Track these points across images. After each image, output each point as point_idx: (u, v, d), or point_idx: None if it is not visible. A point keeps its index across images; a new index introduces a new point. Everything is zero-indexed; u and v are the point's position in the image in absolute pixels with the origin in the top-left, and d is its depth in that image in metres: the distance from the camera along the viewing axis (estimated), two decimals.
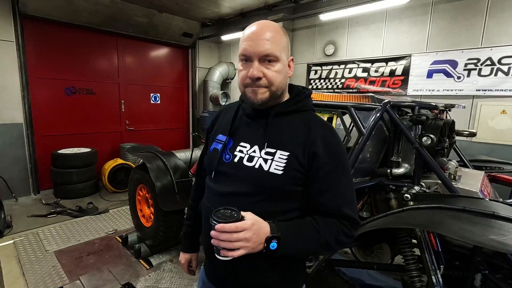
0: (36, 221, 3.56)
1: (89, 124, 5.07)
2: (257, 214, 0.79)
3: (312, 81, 5.20)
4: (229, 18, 5.63)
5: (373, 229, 1.49)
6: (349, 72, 4.73)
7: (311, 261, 1.76)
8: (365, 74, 4.56)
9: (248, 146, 0.91)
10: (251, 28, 0.86)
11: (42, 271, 2.57)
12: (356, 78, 4.66)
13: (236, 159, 0.91)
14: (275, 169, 0.85)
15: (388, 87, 4.32)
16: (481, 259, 1.58)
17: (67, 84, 4.74)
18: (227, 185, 0.91)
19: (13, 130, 4.16)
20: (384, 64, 4.34)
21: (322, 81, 5.08)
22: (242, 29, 0.94)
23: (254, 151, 0.89)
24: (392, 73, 4.27)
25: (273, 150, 0.87)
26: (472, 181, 1.73)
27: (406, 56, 4.11)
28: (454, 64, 3.73)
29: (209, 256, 0.97)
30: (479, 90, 3.57)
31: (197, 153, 3.62)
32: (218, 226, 0.72)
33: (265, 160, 0.86)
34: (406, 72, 4.13)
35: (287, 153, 0.86)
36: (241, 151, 0.91)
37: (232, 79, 6.22)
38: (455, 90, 3.74)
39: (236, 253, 0.73)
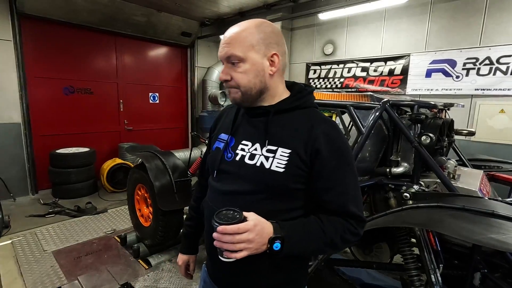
0: (34, 221, 3.55)
1: (87, 123, 5.05)
2: (259, 213, 0.78)
3: (311, 80, 5.20)
4: (228, 18, 5.62)
5: (373, 228, 1.49)
6: (348, 72, 4.73)
7: (310, 261, 1.75)
8: (364, 74, 4.56)
9: (249, 144, 0.90)
10: (225, 32, 0.87)
11: (40, 271, 2.56)
12: (355, 77, 4.66)
13: (237, 158, 0.90)
14: (276, 166, 0.84)
15: (387, 86, 4.32)
16: (480, 258, 1.58)
17: (65, 83, 4.72)
18: (229, 183, 0.91)
19: (11, 129, 4.14)
20: (383, 63, 4.34)
21: (321, 80, 5.08)
22: None
23: (256, 149, 0.88)
24: (391, 72, 4.27)
25: (274, 148, 0.86)
26: (471, 180, 1.73)
27: (405, 56, 4.11)
28: (452, 63, 3.74)
29: (212, 256, 0.96)
30: (477, 89, 3.57)
31: (196, 152, 3.61)
32: (220, 228, 0.71)
33: (267, 158, 0.85)
34: (405, 71, 4.13)
35: (289, 151, 0.84)
36: (242, 149, 0.90)
37: None
38: (454, 89, 3.75)
39: (239, 255, 0.73)
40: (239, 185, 0.88)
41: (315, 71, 5.14)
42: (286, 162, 0.83)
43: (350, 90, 4.75)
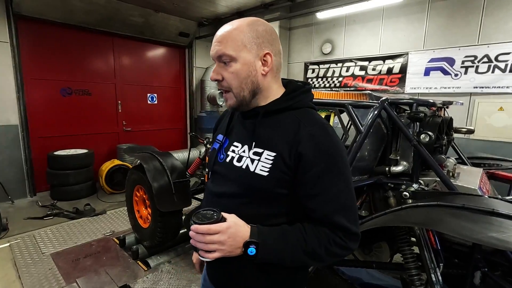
0: (32, 223, 3.53)
1: (85, 125, 5.03)
2: (243, 216, 0.77)
3: (309, 80, 5.19)
4: (226, 17, 5.60)
5: (372, 228, 1.47)
6: (347, 71, 4.73)
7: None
8: (362, 73, 4.55)
9: (239, 145, 0.89)
10: (217, 31, 0.86)
11: (38, 274, 2.54)
12: (353, 76, 4.65)
13: (228, 159, 0.89)
14: (260, 170, 0.81)
15: (386, 85, 4.32)
16: (481, 256, 1.57)
17: (62, 85, 4.69)
18: (220, 185, 0.91)
19: (8, 132, 4.12)
20: (381, 62, 4.34)
21: (319, 79, 5.07)
22: None
23: (244, 151, 0.86)
24: (389, 71, 4.27)
25: (260, 150, 0.83)
26: (470, 178, 1.72)
27: (403, 54, 4.10)
28: (451, 61, 3.73)
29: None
30: (476, 87, 3.57)
31: (195, 153, 3.59)
32: (193, 227, 0.73)
33: (252, 161, 0.83)
34: (403, 70, 4.13)
35: (274, 154, 0.81)
36: (233, 151, 0.89)
37: None
38: (453, 87, 3.74)
39: (212, 255, 0.73)
40: (228, 187, 0.88)
41: (313, 70, 5.13)
42: (270, 165, 0.80)
43: (348, 89, 4.74)
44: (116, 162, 4.74)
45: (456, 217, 1.17)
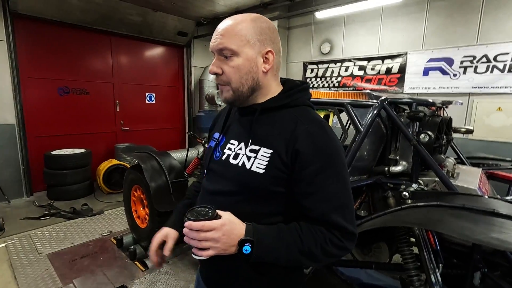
0: (29, 223, 3.49)
1: (83, 124, 5.00)
2: (239, 214, 0.75)
3: (308, 79, 5.18)
4: (225, 17, 5.55)
5: (371, 228, 1.46)
6: (346, 70, 4.72)
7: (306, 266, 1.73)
8: (361, 72, 4.54)
9: (236, 143, 0.88)
10: (219, 24, 0.84)
11: (34, 274, 2.52)
12: (352, 76, 4.65)
13: (224, 157, 0.89)
14: (257, 167, 0.80)
15: (385, 85, 4.31)
16: (480, 257, 1.56)
17: (60, 84, 4.66)
18: (215, 183, 0.90)
19: (5, 131, 4.09)
20: (380, 62, 4.33)
21: (318, 79, 5.06)
22: None
23: (240, 148, 0.85)
24: (388, 71, 4.26)
25: (257, 148, 0.82)
26: (470, 178, 1.71)
27: (402, 54, 4.10)
28: (450, 61, 3.73)
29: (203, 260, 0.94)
30: (475, 87, 3.57)
31: (193, 153, 3.57)
32: (187, 223, 0.71)
33: (248, 158, 0.82)
34: (402, 70, 4.12)
35: (271, 151, 0.80)
36: (229, 149, 0.89)
37: None
38: (451, 87, 3.74)
39: (205, 253, 0.72)
40: (223, 185, 0.87)
41: (312, 70, 5.12)
42: (267, 163, 0.79)
43: (347, 89, 4.73)
44: (114, 161, 4.72)
45: (456, 217, 1.16)
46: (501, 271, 1.69)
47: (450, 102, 1.98)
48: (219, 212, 0.74)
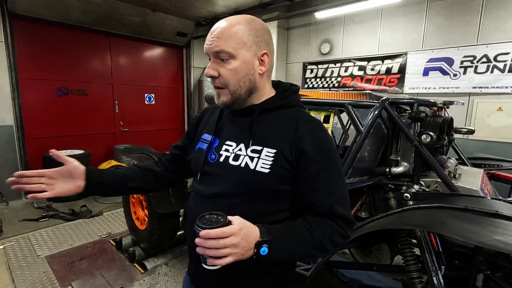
0: (27, 225, 3.47)
1: (82, 125, 4.97)
2: (244, 216, 0.74)
3: (308, 80, 5.17)
4: (224, 17, 5.56)
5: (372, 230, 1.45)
6: (345, 71, 4.71)
7: (309, 264, 1.71)
8: (361, 73, 4.53)
9: (234, 144, 0.87)
10: (214, 25, 0.84)
11: (32, 277, 2.49)
12: (352, 76, 4.63)
13: (221, 159, 0.87)
14: (261, 167, 0.80)
15: (385, 85, 4.30)
16: (483, 259, 1.54)
17: (58, 84, 4.64)
18: (213, 186, 0.87)
19: (3, 132, 4.06)
20: (380, 62, 4.32)
21: (318, 79, 5.05)
22: None
23: (240, 149, 0.85)
24: (388, 71, 4.25)
25: (259, 148, 0.83)
26: (472, 179, 1.70)
27: (402, 54, 4.09)
28: (450, 61, 3.72)
29: (195, 261, 0.91)
30: (475, 87, 3.56)
31: None
32: (203, 232, 0.66)
33: (251, 158, 0.82)
34: (402, 70, 4.11)
35: (274, 151, 0.81)
36: (227, 150, 0.87)
37: None
38: (452, 87, 3.73)
39: (224, 261, 0.68)
40: (223, 188, 0.84)
41: (312, 70, 5.11)
42: (271, 162, 0.80)
43: (347, 89, 4.72)
44: (113, 163, 4.69)
45: (459, 219, 1.14)
46: (503, 273, 1.68)
47: (451, 102, 1.97)
48: (228, 217, 0.72)
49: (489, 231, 1.05)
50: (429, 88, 3.91)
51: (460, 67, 3.64)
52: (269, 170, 0.80)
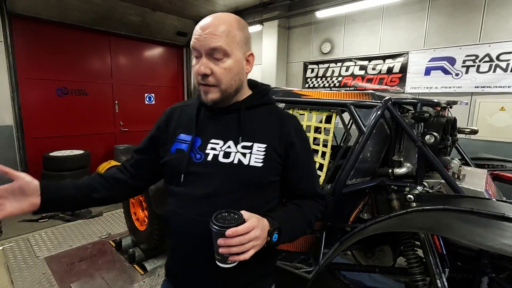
0: (26, 226, 3.45)
1: (81, 125, 4.96)
2: (246, 209, 0.76)
3: (308, 79, 5.14)
4: None
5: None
6: (346, 70, 4.68)
7: (311, 266, 1.69)
8: (362, 72, 4.50)
9: (221, 142, 0.87)
10: (204, 21, 0.81)
11: (32, 278, 2.48)
12: (353, 76, 4.61)
13: (209, 158, 0.86)
14: (255, 162, 0.84)
15: (386, 84, 4.27)
16: (487, 261, 1.52)
17: (58, 84, 4.62)
18: (203, 186, 0.85)
19: (2, 132, 4.05)
20: (381, 61, 4.29)
21: (319, 79, 5.02)
22: None
23: (229, 147, 0.86)
24: (389, 70, 4.22)
25: (249, 144, 0.86)
26: (476, 180, 1.67)
27: (404, 53, 4.06)
28: (452, 61, 3.69)
29: (187, 268, 0.89)
30: (477, 87, 3.53)
31: None
32: (231, 231, 0.67)
33: (244, 154, 0.85)
34: (403, 69, 4.08)
35: (265, 145, 0.86)
36: (213, 149, 0.86)
37: None
38: (454, 87, 3.70)
39: (248, 254, 0.70)
40: (216, 186, 0.84)
41: (312, 70, 5.08)
42: (264, 156, 0.85)
43: (348, 88, 4.69)
44: (113, 163, 4.66)
45: (465, 222, 1.12)
46: (508, 274, 1.65)
47: (455, 102, 1.94)
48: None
49: (496, 235, 1.03)
50: (430, 87, 3.88)
51: (462, 66, 3.61)
52: (262, 164, 0.84)
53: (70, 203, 0.92)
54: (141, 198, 2.81)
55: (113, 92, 5.29)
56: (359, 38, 4.48)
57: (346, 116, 1.85)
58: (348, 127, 2.00)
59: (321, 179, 1.77)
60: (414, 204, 1.52)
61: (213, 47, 0.78)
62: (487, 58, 3.43)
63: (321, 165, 1.82)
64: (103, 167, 4.58)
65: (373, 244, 1.96)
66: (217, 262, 0.71)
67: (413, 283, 1.59)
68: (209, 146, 0.87)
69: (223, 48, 0.79)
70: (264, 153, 0.85)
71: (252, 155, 0.84)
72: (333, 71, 4.83)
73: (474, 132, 2.10)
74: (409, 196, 1.52)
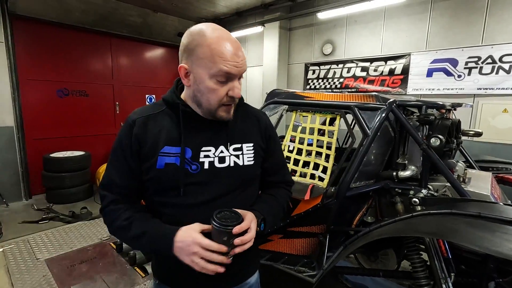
0: (27, 227, 3.44)
1: (82, 126, 4.94)
2: (240, 204, 0.87)
3: (310, 81, 5.13)
4: (225, 18, 5.54)
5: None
6: (348, 72, 4.66)
7: (314, 270, 1.67)
8: (363, 74, 4.49)
9: (212, 149, 0.89)
10: (232, 45, 0.80)
11: (32, 281, 2.46)
12: (354, 77, 4.59)
13: (206, 166, 0.88)
14: (248, 161, 0.93)
15: (388, 86, 4.25)
16: (494, 266, 1.50)
17: (59, 85, 4.61)
18: (204, 193, 0.87)
19: (3, 133, 4.04)
20: (383, 63, 4.28)
21: (320, 81, 5.01)
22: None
23: (222, 151, 0.90)
24: (391, 72, 4.21)
25: (239, 145, 0.93)
26: (481, 183, 1.65)
27: (406, 55, 4.04)
28: (454, 62, 3.67)
29: (187, 271, 0.85)
30: (480, 88, 3.51)
31: None
32: (237, 228, 0.75)
33: (237, 156, 0.92)
34: (405, 71, 4.06)
35: (251, 144, 0.95)
36: (207, 156, 0.88)
37: None
38: (456, 89, 3.68)
39: (247, 245, 0.79)
40: (217, 191, 0.89)
41: (314, 71, 5.07)
42: (253, 154, 0.95)
43: (350, 90, 4.68)
44: None
45: (472, 226, 1.10)
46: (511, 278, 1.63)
47: (460, 105, 1.93)
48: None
49: (504, 240, 1.01)
50: (433, 89, 3.87)
51: (465, 68, 3.59)
52: (253, 161, 0.94)
53: None
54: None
55: (114, 93, 5.28)
56: (361, 39, 4.47)
57: (348, 117, 1.83)
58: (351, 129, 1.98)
59: (325, 182, 1.76)
60: (419, 208, 1.51)
61: (244, 71, 0.85)
62: (489, 60, 3.42)
63: (325, 168, 1.80)
64: (103, 169, 4.57)
65: (376, 248, 1.94)
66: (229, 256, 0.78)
67: (418, 287, 1.57)
68: (202, 154, 0.87)
69: None
70: (253, 151, 0.95)
71: (243, 155, 0.92)
72: (334, 73, 4.82)
73: (479, 134, 2.09)
74: (414, 199, 1.51)
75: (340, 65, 4.74)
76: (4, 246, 3.00)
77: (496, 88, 3.41)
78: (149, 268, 2.63)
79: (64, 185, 4.19)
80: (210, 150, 0.88)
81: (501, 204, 1.33)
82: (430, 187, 1.63)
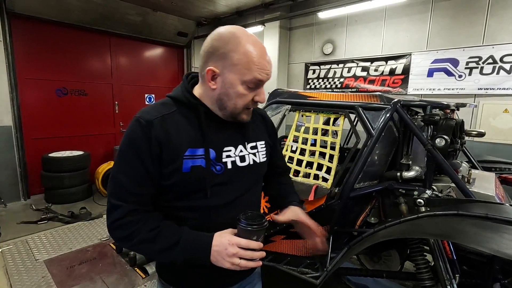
0: (26, 228, 3.41)
1: (81, 126, 4.91)
2: (257, 199, 1.02)
3: (310, 80, 5.12)
4: (225, 17, 5.52)
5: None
6: (348, 71, 4.66)
7: (318, 271, 1.66)
8: (364, 73, 4.48)
9: (232, 148, 0.92)
10: (262, 51, 0.83)
11: (31, 282, 2.43)
12: (355, 77, 4.59)
13: (229, 166, 0.90)
14: (262, 158, 1.00)
15: (388, 86, 4.25)
16: (499, 267, 1.49)
17: (58, 85, 4.58)
18: (229, 193, 0.90)
19: (1, 133, 4.00)
20: (383, 63, 4.27)
21: (320, 80, 5.00)
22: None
23: (241, 151, 0.93)
24: (392, 72, 4.20)
25: (254, 144, 0.98)
26: (486, 184, 1.64)
27: (406, 55, 4.04)
28: (455, 62, 3.67)
29: (198, 269, 0.88)
30: (481, 88, 3.51)
31: None
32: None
33: (254, 154, 0.97)
34: (406, 71, 4.06)
35: (263, 142, 1.02)
36: (228, 156, 0.90)
37: None
38: (457, 89, 3.68)
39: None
40: (240, 190, 0.92)
41: (314, 71, 5.06)
42: (265, 151, 1.02)
43: (350, 90, 4.67)
44: (113, 164, 4.63)
45: (479, 228, 1.09)
46: None
47: (464, 105, 1.92)
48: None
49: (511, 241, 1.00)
50: (433, 89, 3.87)
51: (466, 68, 3.59)
52: (266, 157, 1.02)
53: None
54: None
55: (113, 93, 5.25)
56: (361, 39, 4.46)
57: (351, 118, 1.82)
58: (351, 130, 1.96)
59: (329, 183, 1.74)
60: (424, 209, 1.49)
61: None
62: (490, 60, 3.42)
63: (329, 168, 1.78)
64: (102, 168, 4.54)
65: (379, 248, 1.93)
66: None
67: None
68: (224, 154, 0.89)
69: None
70: (264, 148, 1.01)
71: (258, 152, 0.98)
72: (334, 72, 4.81)
73: (481, 134, 2.08)
74: (419, 200, 1.49)
75: (341, 65, 4.73)
76: (3, 247, 2.97)
77: (497, 88, 3.41)
78: (149, 269, 2.61)
79: (63, 185, 4.16)
80: (230, 150, 0.91)
81: (507, 205, 1.32)
82: (435, 187, 1.62)
